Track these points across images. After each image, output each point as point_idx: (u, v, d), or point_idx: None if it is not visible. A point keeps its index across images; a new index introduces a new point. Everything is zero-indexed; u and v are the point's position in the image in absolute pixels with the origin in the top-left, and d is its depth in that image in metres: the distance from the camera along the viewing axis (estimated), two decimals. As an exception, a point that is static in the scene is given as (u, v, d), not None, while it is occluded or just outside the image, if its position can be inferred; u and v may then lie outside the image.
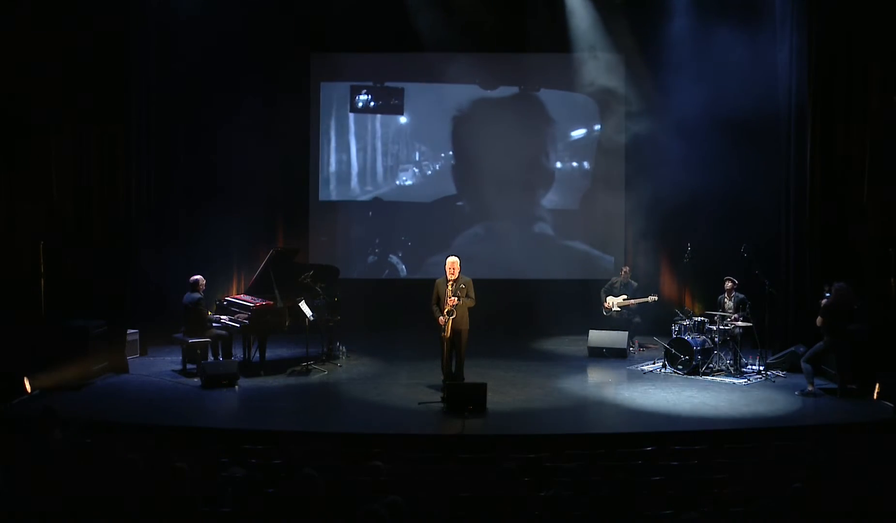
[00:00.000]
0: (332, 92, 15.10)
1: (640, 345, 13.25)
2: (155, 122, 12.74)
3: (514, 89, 15.12)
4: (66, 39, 11.07)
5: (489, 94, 15.11)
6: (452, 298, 9.94)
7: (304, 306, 11.50)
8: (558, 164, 15.11)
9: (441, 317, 10.05)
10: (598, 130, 15.13)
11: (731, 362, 11.59)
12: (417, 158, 15.16)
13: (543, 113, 15.07)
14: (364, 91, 15.05)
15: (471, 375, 10.43)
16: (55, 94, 11.08)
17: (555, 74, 14.96)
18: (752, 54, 12.75)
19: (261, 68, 14.11)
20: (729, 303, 11.87)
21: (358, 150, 15.16)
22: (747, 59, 12.78)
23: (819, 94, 11.85)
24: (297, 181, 15.02)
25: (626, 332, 12.88)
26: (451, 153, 15.15)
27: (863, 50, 11.53)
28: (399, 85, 15.01)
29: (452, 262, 10.11)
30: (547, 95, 15.07)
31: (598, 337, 12.91)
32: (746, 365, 11.76)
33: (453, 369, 10.25)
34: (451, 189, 15.21)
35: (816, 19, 11.76)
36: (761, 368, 11.51)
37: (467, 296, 10.03)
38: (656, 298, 13.05)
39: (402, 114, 15.09)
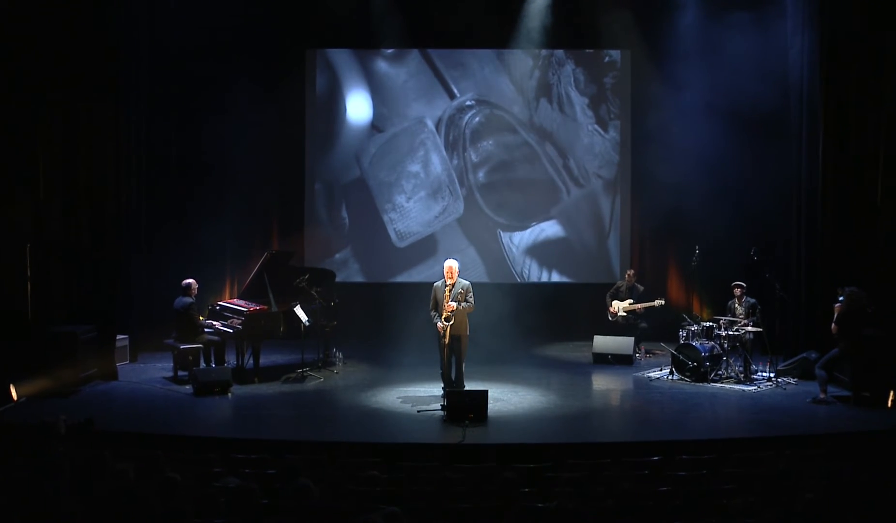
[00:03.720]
0: (329, 91, 14.86)
1: (647, 351, 13.04)
2: (146, 122, 12.63)
3: (515, 89, 14.89)
4: (57, 36, 10.88)
5: (490, 94, 14.92)
6: (451, 304, 9.73)
7: (299, 311, 11.32)
8: (560, 165, 14.87)
9: (439, 324, 9.83)
10: (601, 129, 14.91)
11: (741, 369, 11.35)
12: (416, 159, 14.91)
13: (545, 112, 14.84)
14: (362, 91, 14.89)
15: (471, 382, 10.29)
16: (42, 93, 10.92)
17: (556, 73, 14.76)
18: (763, 49, 12.67)
19: (255, 69, 13.91)
20: (740, 309, 11.66)
21: (356, 151, 14.91)
22: (758, 55, 12.69)
23: (832, 89, 11.72)
24: (293, 183, 14.79)
25: (632, 338, 12.68)
26: (450, 153, 14.91)
27: (877, 44, 11.36)
28: (397, 84, 14.81)
29: (450, 266, 9.91)
30: (548, 94, 14.84)
31: (603, 342, 12.72)
32: (756, 371, 11.51)
33: (453, 376, 10.07)
34: (450, 189, 14.95)
35: (829, 12, 11.63)
36: (772, 375, 11.30)
37: (466, 300, 9.83)
38: (663, 302, 12.85)
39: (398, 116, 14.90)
